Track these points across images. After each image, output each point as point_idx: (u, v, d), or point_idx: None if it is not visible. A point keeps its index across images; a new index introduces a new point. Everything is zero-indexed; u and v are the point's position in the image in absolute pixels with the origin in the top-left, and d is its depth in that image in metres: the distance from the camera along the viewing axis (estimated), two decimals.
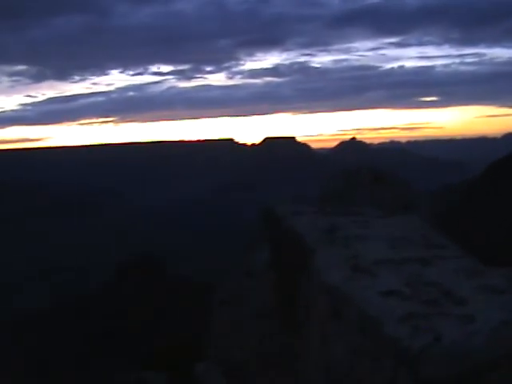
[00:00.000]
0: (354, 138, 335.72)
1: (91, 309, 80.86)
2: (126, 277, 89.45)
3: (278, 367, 9.12)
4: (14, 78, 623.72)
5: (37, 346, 70.55)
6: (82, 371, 58.67)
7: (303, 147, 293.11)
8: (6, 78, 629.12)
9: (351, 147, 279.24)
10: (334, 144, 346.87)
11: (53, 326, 76.37)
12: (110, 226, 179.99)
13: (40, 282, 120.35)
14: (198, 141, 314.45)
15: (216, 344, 9.83)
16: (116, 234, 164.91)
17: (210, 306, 10.34)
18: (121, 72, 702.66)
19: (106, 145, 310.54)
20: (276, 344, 9.17)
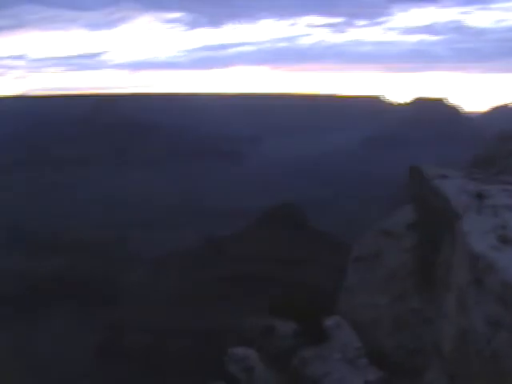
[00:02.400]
0: (507, 104, 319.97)
1: (228, 252, 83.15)
2: (266, 224, 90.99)
3: (408, 330, 9.04)
4: (169, 25, 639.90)
5: (176, 283, 73.60)
6: (211, 312, 60.71)
7: (453, 110, 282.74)
8: (162, 25, 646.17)
9: (504, 113, 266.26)
10: (485, 108, 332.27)
11: (192, 265, 79.39)
12: (253, 172, 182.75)
13: (183, 223, 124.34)
14: (347, 96, 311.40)
15: (348, 300, 9.84)
16: (259, 181, 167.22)
17: (346, 261, 10.30)
18: (274, 22, 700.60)
19: (255, 94, 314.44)
20: (408, 306, 9.07)
